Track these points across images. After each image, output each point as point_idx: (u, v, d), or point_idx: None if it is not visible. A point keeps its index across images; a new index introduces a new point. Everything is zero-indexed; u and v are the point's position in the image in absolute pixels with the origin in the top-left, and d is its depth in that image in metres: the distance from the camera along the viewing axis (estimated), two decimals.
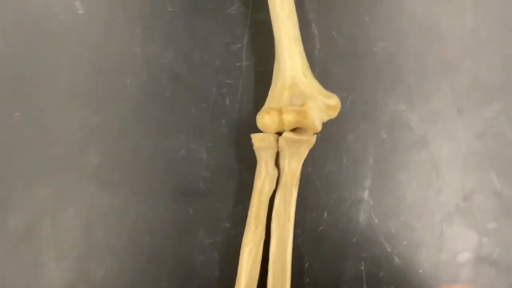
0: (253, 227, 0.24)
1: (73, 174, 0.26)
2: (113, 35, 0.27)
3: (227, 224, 0.27)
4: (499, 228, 0.29)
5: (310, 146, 0.26)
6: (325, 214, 0.28)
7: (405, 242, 0.28)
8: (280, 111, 0.25)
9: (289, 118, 0.25)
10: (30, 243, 0.26)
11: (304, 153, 0.27)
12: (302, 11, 0.28)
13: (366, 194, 0.28)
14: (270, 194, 0.26)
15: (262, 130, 0.26)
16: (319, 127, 0.25)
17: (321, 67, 0.28)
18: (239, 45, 0.27)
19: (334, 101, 0.26)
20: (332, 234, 0.28)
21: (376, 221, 0.28)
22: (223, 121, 0.27)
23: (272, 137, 0.25)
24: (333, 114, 0.26)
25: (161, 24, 0.27)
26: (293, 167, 0.27)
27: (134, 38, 0.27)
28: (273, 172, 0.25)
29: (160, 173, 0.27)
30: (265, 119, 0.25)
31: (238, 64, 0.27)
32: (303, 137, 0.25)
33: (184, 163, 0.27)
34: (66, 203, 0.26)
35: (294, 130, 0.26)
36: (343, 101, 0.28)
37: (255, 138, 0.24)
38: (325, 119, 0.26)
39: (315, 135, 0.26)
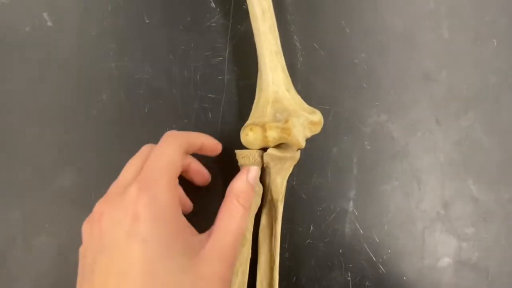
0: (240, 246, 0.22)
1: (47, 196, 0.20)
2: (86, 48, 0.21)
3: None
4: (476, 232, 0.25)
5: (295, 162, 0.24)
6: (312, 228, 0.23)
7: (389, 251, 0.24)
8: (264, 128, 0.22)
9: (273, 135, 0.22)
10: (2, 270, 0.20)
11: (289, 169, 0.24)
12: (284, 24, 0.22)
13: (351, 205, 0.23)
14: (256, 211, 0.23)
15: (246, 146, 0.23)
16: (303, 144, 0.22)
17: (304, 80, 0.23)
18: (221, 58, 0.22)
19: (317, 117, 0.23)
20: (319, 247, 0.23)
21: (361, 231, 0.23)
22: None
23: (256, 154, 0.22)
24: (317, 130, 0.23)
25: (137, 37, 0.21)
26: (278, 183, 0.24)
27: (109, 52, 0.21)
28: (258, 188, 0.23)
29: None
30: (249, 135, 0.22)
31: (220, 77, 0.22)
32: (288, 154, 0.22)
33: None
34: (39, 227, 0.20)
35: (278, 145, 0.23)
36: (326, 113, 0.23)
37: (240, 155, 0.23)
38: (309, 135, 0.23)
39: (299, 151, 0.23)
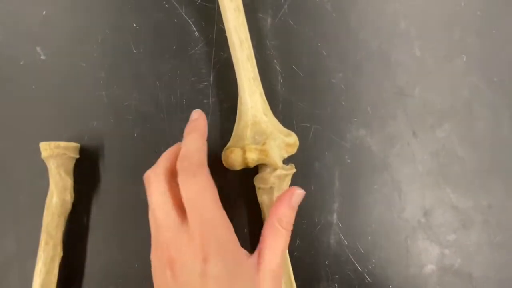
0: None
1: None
2: (77, 79, 0.20)
3: None
4: (458, 239, 0.24)
5: (292, 173, 0.24)
6: (298, 241, 0.22)
7: (374, 260, 0.23)
8: (243, 150, 0.22)
9: (252, 156, 0.22)
10: None
11: (288, 182, 0.24)
12: (264, 49, 0.22)
13: (335, 217, 0.23)
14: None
15: (228, 167, 0.23)
16: (279, 164, 0.22)
17: (285, 101, 0.23)
18: (205, 83, 0.21)
19: (293, 139, 0.23)
20: (305, 259, 0.22)
21: (346, 242, 0.23)
22: None
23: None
24: (292, 151, 0.23)
25: (125, 67, 0.20)
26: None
27: (99, 81, 0.20)
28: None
29: (131, 217, 0.20)
30: (230, 158, 0.22)
31: (205, 101, 0.21)
32: (291, 171, 0.23)
33: None
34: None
35: (260, 165, 0.23)
36: (307, 131, 0.23)
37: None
38: (285, 155, 0.23)
39: (293, 165, 0.24)
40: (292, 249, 0.25)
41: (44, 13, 0.24)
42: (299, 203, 0.21)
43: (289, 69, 0.26)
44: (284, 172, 0.22)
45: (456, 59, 0.28)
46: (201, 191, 0.18)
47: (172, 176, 0.18)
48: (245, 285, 0.18)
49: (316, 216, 0.26)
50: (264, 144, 0.22)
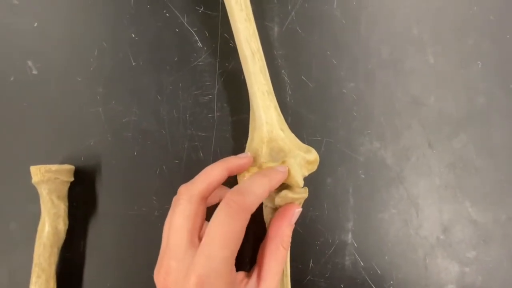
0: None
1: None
2: (73, 94, 0.17)
3: None
4: (478, 256, 0.20)
5: (303, 200, 0.21)
6: (311, 263, 0.19)
7: (392, 282, 0.19)
8: (260, 168, 0.19)
9: None
10: None
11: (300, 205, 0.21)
12: (271, 59, 0.19)
13: (349, 236, 0.19)
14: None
15: None
16: (301, 183, 0.19)
17: (294, 113, 0.20)
18: (210, 96, 0.18)
19: (313, 156, 0.20)
20: (320, 283, 0.19)
21: (362, 263, 0.19)
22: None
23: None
24: (313, 168, 0.20)
25: (124, 80, 0.17)
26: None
27: (96, 96, 0.17)
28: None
29: (131, 243, 0.16)
30: (246, 177, 0.19)
31: (210, 115, 0.18)
32: (301, 195, 0.20)
33: (158, 226, 0.18)
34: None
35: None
36: (318, 144, 0.19)
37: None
38: (306, 174, 0.20)
39: (307, 189, 0.20)
40: (305, 273, 0.22)
41: (35, 24, 0.20)
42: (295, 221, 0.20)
43: (298, 79, 0.23)
44: (292, 195, 0.19)
45: (471, 65, 0.25)
46: (226, 236, 0.15)
47: (203, 199, 0.16)
48: None
49: (330, 236, 0.22)
50: (284, 162, 0.19)
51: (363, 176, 0.23)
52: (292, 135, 0.20)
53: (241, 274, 0.18)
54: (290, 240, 0.19)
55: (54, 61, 0.21)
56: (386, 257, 0.23)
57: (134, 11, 0.22)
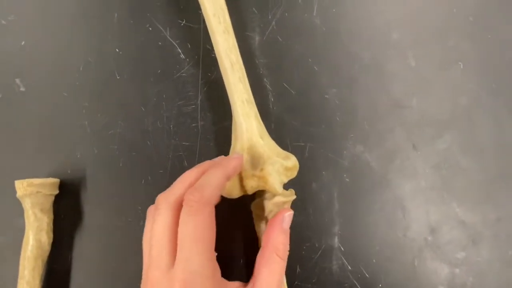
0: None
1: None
2: (59, 109, 0.17)
3: None
4: (468, 256, 0.20)
5: (291, 203, 0.20)
6: (298, 269, 0.18)
7: (380, 285, 0.18)
8: (241, 177, 0.19)
9: (250, 184, 0.19)
10: None
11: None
12: (253, 68, 0.18)
13: (336, 241, 0.18)
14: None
15: (226, 196, 0.19)
16: (280, 190, 0.19)
17: (277, 119, 0.19)
18: (193, 106, 0.17)
19: (292, 162, 0.20)
20: None
21: (349, 267, 0.18)
22: None
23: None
24: (292, 175, 0.20)
25: (109, 94, 0.17)
26: None
27: (82, 110, 0.17)
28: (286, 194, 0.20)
29: (117, 255, 0.16)
30: (227, 186, 0.19)
31: (194, 124, 0.17)
32: (290, 197, 0.20)
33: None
34: None
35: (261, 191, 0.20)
36: (301, 150, 0.19)
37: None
38: (285, 180, 0.20)
39: (293, 191, 0.20)
40: (292, 278, 0.21)
41: (23, 43, 0.20)
42: (290, 224, 0.19)
43: (280, 87, 0.22)
44: (283, 199, 0.18)
45: (453, 67, 0.24)
46: (196, 235, 0.15)
47: (209, 205, 0.16)
48: None
49: (316, 241, 0.22)
50: (262, 170, 0.18)
51: (348, 180, 0.23)
52: (272, 142, 0.20)
53: (237, 284, 0.18)
54: (286, 248, 0.18)
55: (41, 77, 0.21)
56: (374, 260, 0.23)
57: (118, 26, 0.22)
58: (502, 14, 0.25)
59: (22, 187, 0.17)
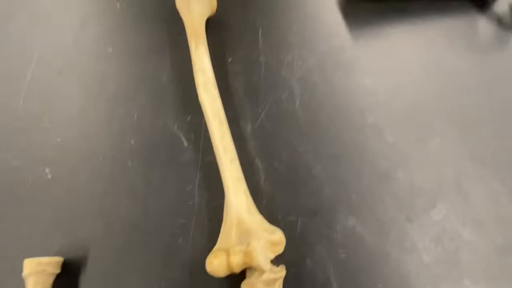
0: None
1: None
2: (77, 194, 0.23)
3: None
4: None
5: (282, 279, 0.20)
6: None
7: None
8: (228, 253, 0.19)
9: (236, 261, 0.19)
10: None
11: (279, 286, 0.20)
12: (246, 151, 0.22)
13: None
14: None
15: (213, 274, 0.19)
16: (266, 267, 0.19)
17: (268, 196, 0.22)
18: (191, 186, 0.19)
19: (277, 236, 0.20)
20: None
21: None
22: (176, 263, 0.21)
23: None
24: (279, 250, 0.20)
25: (120, 179, 0.20)
26: None
27: (94, 195, 0.19)
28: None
29: None
30: (214, 263, 0.19)
31: (190, 202, 0.19)
32: (280, 273, 0.19)
33: None
34: None
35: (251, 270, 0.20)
36: (293, 225, 0.20)
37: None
38: (272, 256, 0.20)
39: (284, 267, 0.20)
40: None
41: (58, 140, 0.25)
42: None
43: (270, 166, 0.25)
44: (272, 275, 0.18)
45: (430, 141, 0.26)
46: None
47: None
48: None
49: None
50: (248, 245, 0.19)
51: (343, 255, 0.22)
52: (260, 217, 0.21)
53: None
54: None
55: (67, 167, 0.25)
56: None
57: (137, 125, 0.27)
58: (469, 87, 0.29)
59: (30, 265, 0.18)
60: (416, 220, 0.24)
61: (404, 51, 0.30)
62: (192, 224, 0.23)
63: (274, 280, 0.19)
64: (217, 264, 0.19)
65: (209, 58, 0.26)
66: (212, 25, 0.30)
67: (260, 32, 0.31)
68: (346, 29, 0.31)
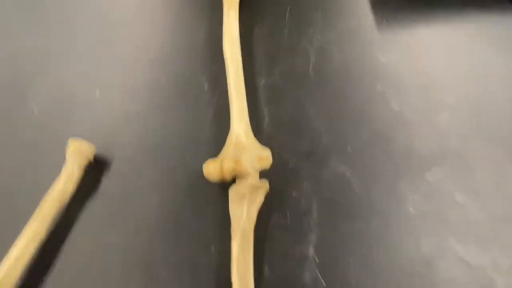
0: None
1: None
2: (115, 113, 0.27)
3: None
4: None
5: (266, 192, 0.22)
6: (266, 269, 0.18)
7: None
8: (222, 161, 0.22)
9: (227, 166, 0.22)
10: None
11: (261, 199, 0.22)
12: (256, 99, 0.26)
13: (311, 250, 0.19)
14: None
15: (207, 177, 0.23)
16: (251, 171, 0.22)
17: (268, 137, 0.27)
18: (204, 121, 0.23)
19: (266, 153, 0.23)
20: None
21: (324, 283, 0.18)
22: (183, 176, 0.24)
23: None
24: (266, 165, 0.22)
25: (152, 106, 0.24)
26: (252, 213, 0.22)
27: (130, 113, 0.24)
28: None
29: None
30: (209, 167, 0.22)
31: (203, 133, 0.23)
32: (262, 183, 0.22)
33: None
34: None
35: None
36: (286, 162, 0.24)
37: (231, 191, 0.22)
38: (258, 167, 0.22)
39: (267, 182, 0.22)
40: (260, 279, 0.20)
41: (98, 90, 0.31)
42: None
43: (275, 114, 0.28)
44: (256, 182, 0.21)
45: (439, 115, 0.26)
46: None
47: None
48: None
49: (290, 246, 0.21)
50: (239, 156, 0.21)
51: (328, 194, 0.24)
52: (255, 140, 0.24)
53: None
54: None
55: (115, 88, 0.30)
56: (353, 283, 0.20)
57: (170, 67, 0.31)
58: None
59: (73, 144, 0.23)
60: (408, 178, 0.24)
61: (428, 40, 0.30)
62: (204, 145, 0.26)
63: (257, 188, 0.21)
64: (212, 167, 0.22)
65: (237, 22, 0.30)
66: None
67: (288, 9, 0.35)
68: (370, 12, 0.33)
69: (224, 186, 0.23)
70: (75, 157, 0.24)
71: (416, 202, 0.23)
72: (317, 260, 0.21)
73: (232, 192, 0.22)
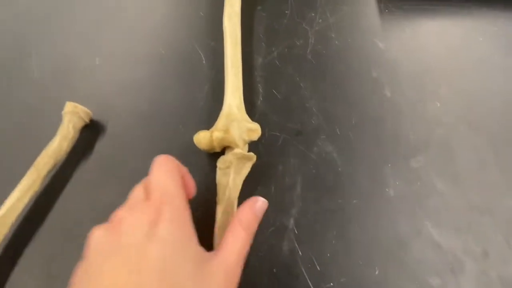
0: None
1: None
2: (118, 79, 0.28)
3: None
4: (444, 285, 0.17)
5: (252, 162, 0.23)
6: None
7: (331, 284, 0.17)
8: (212, 131, 0.23)
9: (216, 135, 0.22)
10: None
11: (247, 170, 0.23)
12: (252, 77, 0.27)
13: (291, 222, 0.20)
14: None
15: (198, 146, 0.23)
16: (239, 142, 0.22)
17: (260, 113, 0.29)
18: (201, 92, 0.24)
19: (255, 126, 0.23)
20: (250, 260, 0.18)
21: (300, 253, 0.18)
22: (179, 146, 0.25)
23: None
24: (254, 136, 0.23)
25: (151, 74, 0.24)
26: (237, 182, 0.22)
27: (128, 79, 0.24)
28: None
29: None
30: (200, 135, 0.23)
31: (198, 103, 0.23)
32: (250, 155, 0.22)
33: None
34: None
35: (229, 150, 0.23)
36: (275, 139, 0.24)
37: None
38: (247, 138, 0.23)
39: (254, 154, 0.23)
40: None
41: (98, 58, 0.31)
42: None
43: (270, 92, 0.28)
44: (244, 153, 0.21)
45: (430, 103, 0.27)
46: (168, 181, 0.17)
47: None
48: (193, 266, 0.16)
49: (271, 217, 0.22)
50: (228, 129, 0.22)
51: (313, 171, 0.24)
52: (245, 114, 0.24)
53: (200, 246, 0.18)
54: (251, 224, 0.19)
55: (114, 57, 0.30)
56: (328, 255, 0.21)
57: (170, 40, 0.31)
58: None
59: (69, 106, 0.24)
60: (392, 162, 0.25)
61: (427, 30, 0.30)
62: (197, 117, 0.27)
63: (244, 159, 0.22)
64: (202, 136, 0.23)
65: None
66: None
67: None
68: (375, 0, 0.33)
69: (213, 156, 0.24)
70: (71, 118, 0.24)
71: (398, 186, 0.24)
72: (296, 231, 0.22)
73: (220, 161, 0.23)
